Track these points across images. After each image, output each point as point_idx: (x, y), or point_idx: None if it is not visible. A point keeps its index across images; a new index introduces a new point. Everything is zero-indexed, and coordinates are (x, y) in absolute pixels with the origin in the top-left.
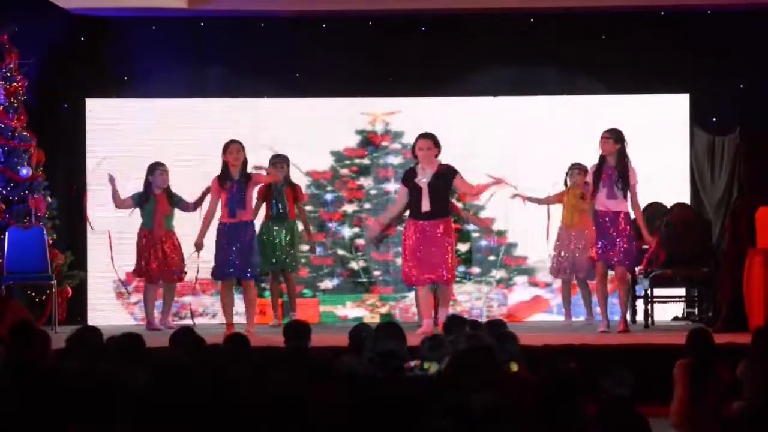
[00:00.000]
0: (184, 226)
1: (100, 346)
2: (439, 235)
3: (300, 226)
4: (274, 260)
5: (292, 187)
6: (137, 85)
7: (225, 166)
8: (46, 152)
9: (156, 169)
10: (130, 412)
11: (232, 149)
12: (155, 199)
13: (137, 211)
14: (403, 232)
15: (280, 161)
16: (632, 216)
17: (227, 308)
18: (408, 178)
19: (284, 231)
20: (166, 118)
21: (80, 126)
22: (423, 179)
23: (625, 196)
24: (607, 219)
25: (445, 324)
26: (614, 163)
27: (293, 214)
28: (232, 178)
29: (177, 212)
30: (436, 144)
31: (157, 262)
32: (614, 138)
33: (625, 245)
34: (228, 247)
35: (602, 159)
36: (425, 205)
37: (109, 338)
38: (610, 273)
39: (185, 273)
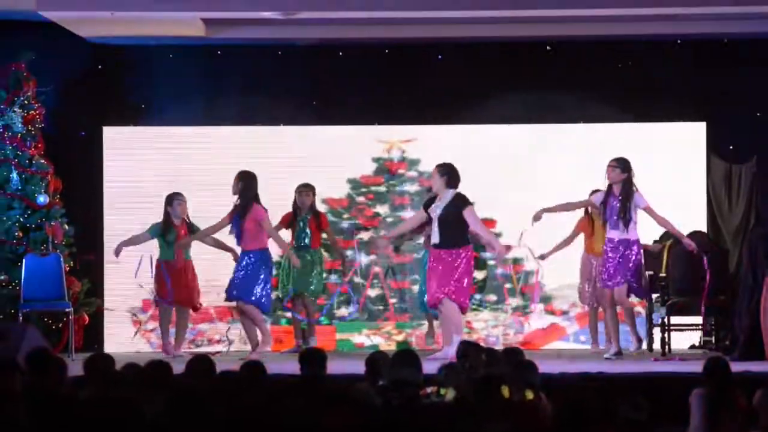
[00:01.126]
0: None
1: (115, 373)
2: (442, 263)
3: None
4: (294, 286)
5: (316, 216)
6: (154, 113)
7: None
8: (63, 180)
9: (174, 200)
10: None
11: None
12: (175, 230)
13: (155, 242)
14: None
15: (305, 189)
16: (641, 243)
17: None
18: (426, 205)
19: (307, 259)
20: (183, 145)
21: (97, 154)
22: (436, 210)
23: (626, 225)
24: (612, 248)
25: (459, 351)
26: (618, 193)
27: (317, 243)
28: (235, 207)
29: (194, 244)
30: (442, 173)
31: (178, 288)
32: (621, 167)
33: (629, 272)
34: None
35: (609, 188)
36: (434, 237)
37: (130, 365)
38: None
39: (201, 304)
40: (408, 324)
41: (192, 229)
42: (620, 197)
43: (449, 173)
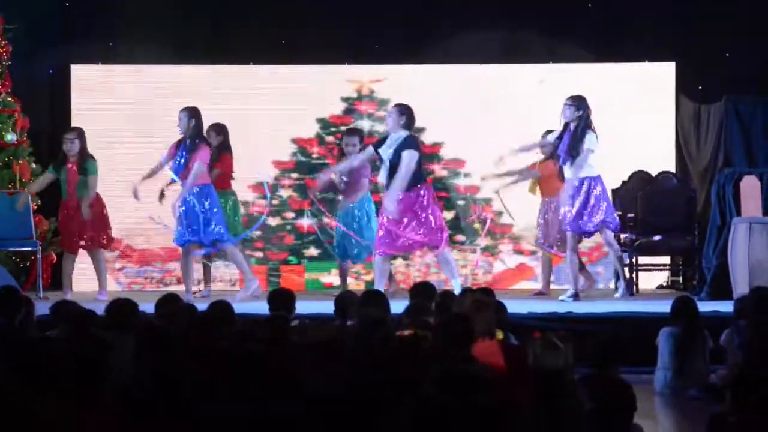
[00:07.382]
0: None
1: (84, 316)
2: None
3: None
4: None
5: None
6: (123, 51)
7: None
8: (30, 118)
9: (63, 138)
10: (113, 381)
11: None
12: (67, 167)
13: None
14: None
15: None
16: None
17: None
18: (377, 146)
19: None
20: (151, 84)
21: (65, 92)
22: (387, 151)
23: (578, 163)
24: (573, 188)
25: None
26: (572, 130)
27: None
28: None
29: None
30: (402, 111)
31: (73, 232)
32: (576, 105)
33: (604, 212)
34: None
35: (565, 126)
36: (382, 178)
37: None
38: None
39: (109, 240)
40: None
41: (84, 166)
42: (573, 134)
43: (409, 114)
